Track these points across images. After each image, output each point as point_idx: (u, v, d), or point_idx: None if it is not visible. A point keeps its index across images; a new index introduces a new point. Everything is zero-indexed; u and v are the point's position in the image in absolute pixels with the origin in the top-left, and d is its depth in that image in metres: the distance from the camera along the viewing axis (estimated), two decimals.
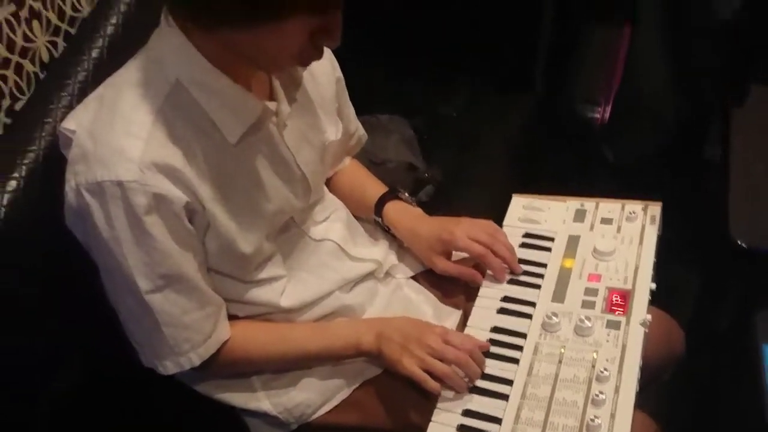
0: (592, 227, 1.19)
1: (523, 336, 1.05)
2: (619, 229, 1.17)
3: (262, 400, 1.07)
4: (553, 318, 1.04)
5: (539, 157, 1.68)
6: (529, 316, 1.07)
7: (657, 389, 1.21)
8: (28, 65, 1.10)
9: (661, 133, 1.59)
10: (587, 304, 1.07)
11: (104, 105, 0.90)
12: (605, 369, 0.97)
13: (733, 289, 1.28)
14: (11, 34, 1.07)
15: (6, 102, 1.07)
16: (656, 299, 1.09)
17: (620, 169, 1.70)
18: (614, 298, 1.07)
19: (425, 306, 1.16)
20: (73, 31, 1.18)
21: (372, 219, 1.21)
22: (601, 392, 0.95)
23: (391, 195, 1.21)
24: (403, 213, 1.20)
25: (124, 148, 0.86)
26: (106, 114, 0.89)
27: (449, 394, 1.00)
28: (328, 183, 1.22)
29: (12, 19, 1.07)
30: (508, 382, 0.99)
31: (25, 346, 0.99)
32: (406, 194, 1.23)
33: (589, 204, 1.23)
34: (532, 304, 1.09)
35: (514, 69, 1.74)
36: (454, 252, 1.17)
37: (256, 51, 0.86)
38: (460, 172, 1.58)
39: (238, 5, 0.78)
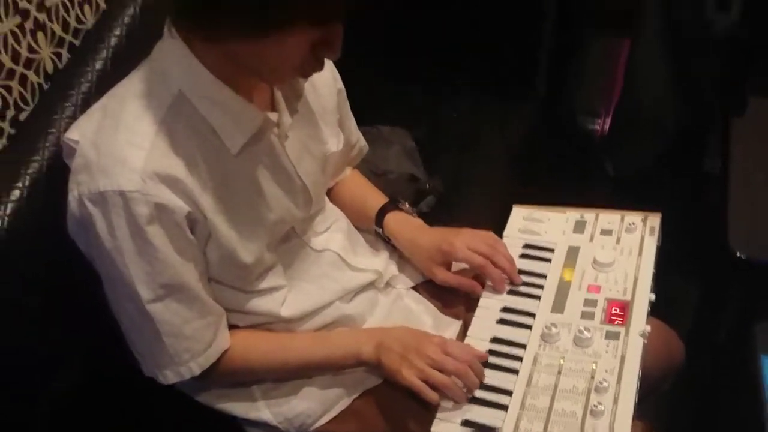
0: (591, 238, 1.20)
1: (523, 347, 1.05)
2: (618, 240, 1.18)
3: (262, 409, 1.07)
4: (553, 329, 1.04)
5: (540, 168, 1.69)
6: (528, 327, 1.08)
7: (656, 400, 1.21)
8: (32, 76, 1.11)
9: (661, 144, 1.60)
10: (586, 315, 1.07)
11: (107, 115, 0.91)
12: (604, 380, 0.98)
13: (733, 300, 1.29)
14: (16, 46, 1.07)
15: (10, 112, 1.07)
16: (656, 310, 1.09)
17: (620, 180, 1.71)
18: (613, 309, 1.07)
19: (425, 316, 1.17)
20: (77, 42, 1.19)
21: (372, 229, 1.22)
22: (600, 403, 0.95)
23: (391, 206, 1.22)
24: (403, 224, 1.20)
25: (126, 159, 0.86)
26: (109, 124, 0.89)
27: (448, 404, 1.00)
28: (329, 193, 1.23)
29: (17, 31, 1.08)
30: (508, 393, 1.00)
31: (27, 355, 1.00)
32: (407, 205, 1.24)
33: (588, 215, 1.23)
34: (532, 315, 1.09)
35: (516, 79, 1.75)
36: (454, 263, 1.18)
37: (257, 62, 0.87)
38: (461, 183, 1.59)
39: (239, 18, 0.79)
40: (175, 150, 0.89)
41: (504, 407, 0.98)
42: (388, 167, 1.59)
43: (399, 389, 1.03)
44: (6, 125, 1.07)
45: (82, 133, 0.91)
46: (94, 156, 0.88)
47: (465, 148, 1.67)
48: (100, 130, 0.90)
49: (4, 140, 1.06)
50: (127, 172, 0.86)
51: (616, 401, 0.96)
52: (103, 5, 1.24)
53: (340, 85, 1.15)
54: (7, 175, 0.98)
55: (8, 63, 1.06)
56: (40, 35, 1.12)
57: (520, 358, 1.03)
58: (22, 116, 1.09)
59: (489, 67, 1.76)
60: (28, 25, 1.10)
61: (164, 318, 0.93)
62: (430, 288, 1.20)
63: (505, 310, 1.11)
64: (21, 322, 0.97)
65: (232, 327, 1.03)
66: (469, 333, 1.09)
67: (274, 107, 1.00)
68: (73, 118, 1.02)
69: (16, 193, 0.97)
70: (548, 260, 1.17)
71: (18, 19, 1.07)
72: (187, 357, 0.96)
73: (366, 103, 1.26)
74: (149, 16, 1.18)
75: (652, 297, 1.08)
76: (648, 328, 1.04)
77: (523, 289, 1.14)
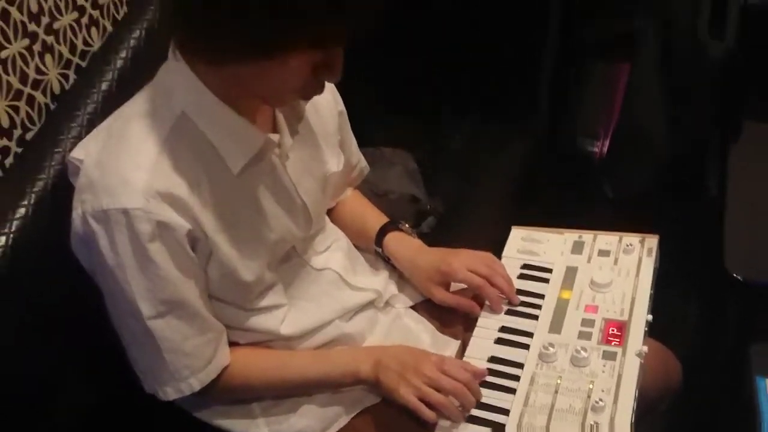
0: (589, 259, 1.21)
1: (520, 366, 1.06)
2: (616, 261, 1.19)
3: (261, 426, 1.08)
4: (550, 348, 1.05)
5: (539, 189, 1.70)
6: (526, 347, 1.09)
7: (653, 420, 1.22)
8: (39, 96, 1.13)
9: (659, 167, 1.61)
10: (584, 335, 1.08)
11: (112, 135, 0.93)
12: (601, 399, 0.98)
13: (730, 321, 1.29)
14: (24, 67, 1.10)
15: (17, 132, 1.09)
16: (653, 331, 1.09)
17: (619, 202, 1.72)
18: (611, 330, 1.08)
19: (424, 335, 1.17)
20: (84, 64, 1.21)
21: (372, 249, 1.23)
22: (597, 422, 0.96)
23: (391, 226, 1.23)
24: (403, 244, 1.22)
25: (129, 178, 0.88)
26: (114, 144, 0.91)
27: (446, 423, 1.01)
28: (330, 213, 1.24)
29: (25, 53, 1.10)
30: (505, 412, 1.00)
31: (29, 370, 1.00)
32: (407, 225, 1.25)
33: (587, 236, 1.24)
34: (530, 335, 1.10)
35: (516, 103, 1.77)
36: (453, 283, 1.19)
37: (259, 85, 0.88)
38: (461, 204, 1.60)
39: (241, 41, 0.81)
40: (177, 169, 0.90)
41: (501, 426, 0.98)
42: (390, 188, 1.61)
43: (397, 408, 1.03)
44: (13, 144, 1.08)
45: (86, 152, 0.93)
46: (98, 175, 0.90)
47: (466, 170, 1.68)
48: (104, 150, 0.91)
49: (10, 159, 1.08)
50: (129, 190, 0.87)
51: (612, 421, 0.96)
52: (110, 28, 1.27)
53: (341, 107, 1.17)
54: (13, 193, 1.00)
55: (16, 84, 1.08)
56: (48, 57, 1.14)
57: (517, 378, 1.04)
58: (29, 135, 1.11)
59: (491, 90, 1.78)
60: (37, 47, 1.12)
61: (165, 334, 0.94)
62: (429, 308, 1.21)
63: (503, 329, 1.12)
64: (24, 338, 0.98)
65: (232, 344, 1.04)
66: (467, 353, 1.10)
67: (275, 128, 1.02)
68: (79, 138, 1.04)
69: (22, 211, 0.98)
70: (546, 281, 1.18)
71: (27, 42, 1.10)
72: (187, 373, 0.97)
73: (369, 125, 1.28)
74: (155, 39, 1.20)
75: (650, 317, 1.09)
76: (645, 348, 1.05)
77: (521, 309, 1.15)
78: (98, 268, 0.93)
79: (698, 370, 1.27)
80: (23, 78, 1.10)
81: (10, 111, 1.08)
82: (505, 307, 1.15)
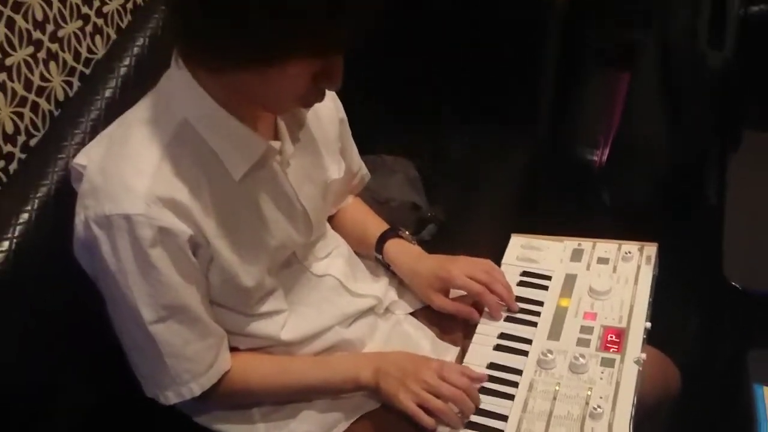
0: (588, 267, 1.21)
1: (519, 372, 1.06)
2: (615, 269, 1.20)
3: None
4: (549, 355, 1.06)
5: (539, 198, 1.71)
6: (525, 353, 1.09)
7: (652, 427, 1.22)
8: (43, 103, 1.14)
9: (658, 175, 1.62)
10: (582, 342, 1.09)
11: (114, 142, 0.94)
12: (599, 406, 0.99)
13: (728, 329, 1.30)
14: (29, 74, 1.11)
15: (21, 138, 1.10)
16: (652, 338, 1.10)
17: (618, 210, 1.73)
18: (609, 336, 1.09)
19: (424, 342, 1.18)
20: (87, 71, 1.23)
21: (373, 256, 1.24)
22: (595, 429, 0.97)
23: (391, 233, 1.24)
24: (403, 251, 1.22)
25: (131, 184, 0.89)
26: (116, 150, 0.92)
27: (445, 429, 1.01)
28: (331, 220, 1.25)
29: (30, 60, 1.11)
30: (503, 418, 1.01)
31: (31, 374, 1.01)
32: (407, 233, 1.26)
33: (586, 244, 1.25)
34: (528, 342, 1.11)
35: (517, 111, 1.78)
36: (452, 290, 1.19)
37: (260, 92, 0.89)
38: (462, 212, 1.61)
39: (241, 49, 0.82)
40: (179, 176, 0.91)
41: None
42: (391, 195, 1.62)
43: (397, 414, 1.04)
44: (17, 150, 1.10)
45: (89, 158, 0.94)
46: (100, 181, 0.91)
47: (466, 178, 1.69)
48: (107, 156, 0.92)
49: (14, 165, 1.09)
50: (132, 196, 0.88)
51: (610, 427, 0.97)
52: (114, 36, 1.28)
53: (342, 114, 1.18)
54: (17, 199, 1.01)
55: (20, 90, 1.10)
56: (52, 64, 1.15)
57: (516, 384, 1.05)
58: (33, 142, 1.12)
59: (492, 99, 1.79)
60: (41, 54, 1.13)
61: (166, 339, 0.95)
62: (428, 314, 1.22)
63: (502, 336, 1.13)
64: (26, 341, 0.99)
65: (232, 349, 1.05)
66: (466, 359, 1.11)
67: (277, 135, 1.03)
68: (82, 144, 1.05)
69: (25, 216, 0.99)
70: (545, 288, 1.19)
71: (31, 49, 1.11)
72: (187, 378, 0.98)
73: (370, 133, 1.28)
74: (158, 47, 1.21)
75: (648, 325, 1.10)
76: (643, 355, 1.05)
77: (520, 315, 1.15)
78: (100, 273, 0.94)
79: (697, 378, 1.27)
80: (28, 85, 1.11)
81: (15, 117, 1.09)
82: (505, 314, 1.16)
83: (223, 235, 0.96)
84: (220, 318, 1.02)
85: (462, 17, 1.76)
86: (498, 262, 1.24)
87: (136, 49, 1.20)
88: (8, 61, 1.07)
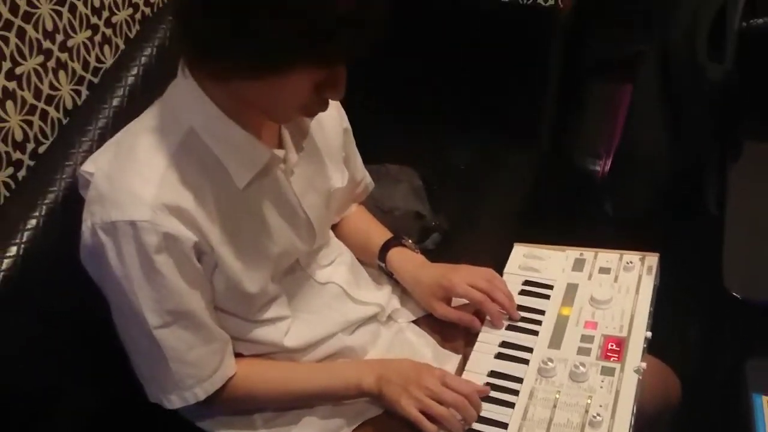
0: (590, 276, 1.22)
1: (520, 381, 1.07)
2: (616, 279, 1.20)
3: None
4: (549, 363, 1.06)
5: (542, 208, 1.72)
6: (525, 362, 1.10)
7: None
8: (52, 112, 1.16)
9: (659, 186, 1.63)
10: (583, 351, 1.09)
11: (121, 150, 0.95)
12: (598, 414, 0.99)
13: (728, 339, 1.30)
14: (38, 83, 1.13)
15: (30, 145, 1.12)
16: (653, 348, 1.10)
17: (620, 220, 1.73)
18: (610, 345, 1.09)
19: (425, 349, 1.19)
20: (96, 80, 1.24)
21: (376, 264, 1.25)
22: None
23: (394, 241, 1.25)
24: (406, 259, 1.23)
25: (137, 191, 0.90)
26: (123, 158, 0.94)
27: None
28: (335, 228, 1.26)
29: (40, 69, 1.13)
30: (504, 426, 1.01)
31: (35, 376, 1.02)
32: (410, 241, 1.27)
33: (588, 254, 1.26)
34: (529, 350, 1.11)
35: (520, 122, 1.79)
36: (454, 298, 1.20)
37: (263, 101, 0.91)
38: (465, 221, 1.62)
39: (246, 59, 0.83)
40: (184, 183, 0.92)
41: None
42: (395, 204, 1.63)
43: (399, 420, 1.05)
44: (26, 157, 1.11)
45: (97, 166, 0.95)
46: (107, 188, 0.92)
47: (470, 187, 1.70)
48: (114, 164, 0.94)
49: (23, 171, 1.11)
50: (138, 203, 0.90)
51: None
52: (122, 46, 1.30)
53: (347, 124, 1.19)
54: (26, 205, 1.03)
55: (30, 99, 1.11)
56: (61, 73, 1.17)
57: (516, 392, 1.05)
58: (41, 149, 1.14)
59: (495, 109, 1.80)
60: (51, 63, 1.15)
61: (170, 344, 0.96)
62: (430, 322, 1.23)
63: (504, 344, 1.14)
64: (32, 344, 1.01)
65: (236, 355, 1.06)
66: (467, 367, 1.11)
67: (281, 144, 1.04)
68: (90, 152, 1.06)
69: (33, 222, 1.01)
70: (547, 297, 1.20)
71: (41, 58, 1.13)
72: (191, 382, 0.99)
73: (375, 142, 1.29)
74: (165, 57, 1.23)
75: (649, 334, 1.10)
76: (643, 364, 1.06)
77: (521, 324, 1.16)
78: (106, 279, 0.95)
79: (696, 387, 1.28)
80: (37, 93, 1.13)
81: (24, 125, 1.11)
82: (506, 323, 1.17)
83: (228, 242, 0.97)
84: (223, 324, 1.03)
85: (466, 28, 1.77)
86: (501, 271, 1.24)
87: (143, 59, 1.22)
88: (18, 70, 1.09)
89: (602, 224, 1.75)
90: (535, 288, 1.22)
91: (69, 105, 1.19)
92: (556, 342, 1.12)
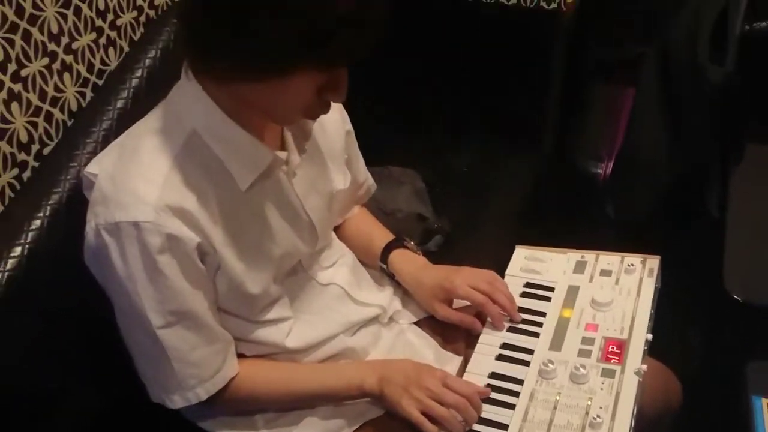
0: (591, 279, 1.22)
1: (520, 382, 1.07)
2: (617, 281, 1.20)
3: None
4: (550, 365, 1.07)
5: (544, 210, 1.72)
6: (526, 363, 1.10)
7: None
8: (57, 113, 1.17)
9: (661, 188, 1.63)
10: (583, 353, 1.10)
11: (125, 151, 0.96)
12: (598, 416, 1.00)
13: (729, 341, 1.30)
14: (43, 85, 1.14)
15: (35, 147, 1.13)
16: (655, 351, 1.10)
17: (621, 223, 1.74)
18: (610, 348, 1.10)
19: (426, 351, 1.19)
20: (100, 82, 1.25)
21: (378, 265, 1.25)
22: None
23: (396, 243, 1.25)
24: (407, 261, 1.24)
25: (141, 192, 0.91)
26: (127, 160, 0.94)
27: None
28: (337, 230, 1.27)
29: (45, 71, 1.14)
30: (504, 427, 1.02)
31: (38, 377, 1.03)
32: (412, 243, 1.27)
33: (589, 256, 1.26)
34: (530, 352, 1.12)
35: (523, 125, 1.80)
36: (456, 300, 1.21)
37: (265, 103, 0.92)
38: (468, 223, 1.62)
39: (246, 59, 0.84)
40: (187, 185, 0.93)
41: None
42: (398, 206, 1.63)
43: (400, 421, 1.05)
44: (30, 159, 1.12)
45: (101, 167, 0.96)
46: (111, 189, 0.93)
47: (473, 190, 1.71)
48: (117, 165, 0.94)
49: (28, 172, 1.11)
50: (141, 204, 0.90)
51: None
52: (126, 48, 1.31)
53: (349, 126, 1.19)
54: (30, 206, 1.04)
55: (35, 101, 1.12)
56: (66, 76, 1.18)
57: (517, 394, 1.06)
58: (46, 150, 1.15)
59: (497, 112, 1.81)
60: (56, 66, 1.16)
61: (173, 344, 0.96)
62: (431, 324, 1.23)
63: (505, 346, 1.14)
64: (35, 343, 1.01)
65: (239, 356, 1.06)
66: (468, 368, 1.12)
67: (283, 146, 1.05)
68: (94, 153, 1.07)
69: (38, 223, 1.02)
70: (548, 299, 1.20)
71: (46, 61, 1.13)
72: (194, 382, 0.99)
73: (378, 145, 1.30)
74: (169, 59, 1.24)
75: (649, 337, 1.10)
76: (644, 366, 1.06)
77: (522, 326, 1.16)
78: (109, 280, 0.96)
79: (697, 390, 1.28)
80: (42, 95, 1.14)
81: (29, 127, 1.11)
82: (507, 325, 1.17)
83: (230, 244, 0.98)
84: (225, 324, 1.03)
85: (469, 31, 1.78)
86: (502, 273, 1.25)
87: (147, 61, 1.23)
88: (24, 72, 1.10)
89: (604, 227, 1.76)
90: (536, 290, 1.22)
91: (74, 107, 1.20)
92: (556, 344, 1.12)
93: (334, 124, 1.14)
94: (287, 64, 0.84)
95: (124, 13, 1.30)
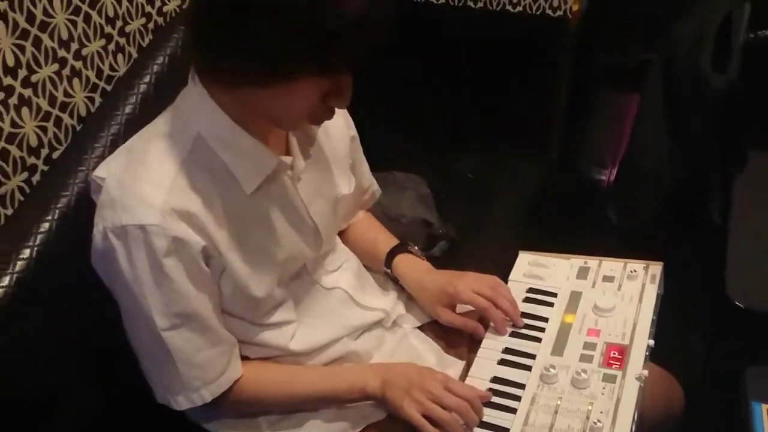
0: (594, 284, 1.23)
1: (522, 386, 1.08)
2: (620, 287, 1.21)
3: None
4: (551, 370, 1.07)
5: (547, 216, 1.73)
6: (528, 368, 1.11)
7: None
8: (66, 118, 1.18)
9: (664, 195, 1.64)
10: (585, 358, 1.10)
11: (133, 156, 0.97)
12: (599, 420, 1.00)
13: (732, 348, 1.30)
14: (53, 90, 1.15)
15: (45, 151, 1.14)
16: (657, 356, 1.11)
17: (624, 229, 1.74)
18: (612, 353, 1.10)
19: (429, 355, 1.20)
20: (109, 88, 1.26)
21: (382, 270, 1.26)
22: None
23: (401, 248, 1.26)
24: (411, 266, 1.24)
25: (147, 196, 0.92)
26: (134, 164, 0.96)
27: None
28: (342, 235, 1.27)
29: (55, 77, 1.15)
30: (505, 431, 1.02)
31: (43, 377, 1.04)
32: (416, 248, 1.28)
33: (592, 262, 1.26)
34: (532, 356, 1.12)
35: (528, 131, 1.81)
36: (459, 305, 1.21)
37: (270, 109, 0.93)
38: (472, 228, 1.63)
39: (248, 62, 0.84)
40: (193, 189, 0.94)
41: None
42: (402, 212, 1.64)
43: (402, 424, 1.06)
44: (40, 162, 1.14)
45: (108, 171, 0.97)
46: (118, 193, 0.94)
47: (477, 196, 1.72)
48: (125, 169, 0.95)
49: (37, 176, 1.13)
50: (147, 208, 0.91)
51: None
52: (135, 55, 1.32)
53: (354, 132, 1.20)
54: (39, 209, 1.05)
55: (45, 106, 1.14)
56: (75, 81, 1.19)
57: (518, 398, 1.06)
58: (55, 155, 1.16)
59: (502, 118, 1.82)
60: (66, 71, 1.17)
61: (178, 346, 0.97)
62: (435, 328, 1.24)
63: (507, 351, 1.14)
64: (42, 344, 1.02)
65: (243, 358, 1.07)
66: (470, 372, 1.12)
67: (288, 151, 1.06)
68: (102, 157, 1.08)
69: (46, 225, 1.03)
70: (551, 304, 1.20)
71: (56, 66, 1.15)
72: (198, 384, 1.00)
73: (383, 151, 1.31)
74: (177, 65, 1.25)
75: (651, 342, 1.10)
76: (645, 372, 1.06)
77: (524, 331, 1.17)
78: (116, 282, 0.97)
79: (698, 395, 1.28)
80: (52, 100, 1.15)
81: (39, 131, 1.13)
82: (510, 329, 1.18)
83: (235, 247, 0.99)
84: (230, 327, 1.04)
85: (475, 38, 1.79)
86: (506, 279, 1.25)
87: (155, 68, 1.24)
88: (34, 78, 1.11)
89: (607, 233, 1.76)
90: (539, 295, 1.23)
91: (83, 112, 1.22)
92: (558, 349, 1.13)
93: (339, 130, 1.15)
94: (289, 66, 0.84)
95: (132, 20, 1.32)
